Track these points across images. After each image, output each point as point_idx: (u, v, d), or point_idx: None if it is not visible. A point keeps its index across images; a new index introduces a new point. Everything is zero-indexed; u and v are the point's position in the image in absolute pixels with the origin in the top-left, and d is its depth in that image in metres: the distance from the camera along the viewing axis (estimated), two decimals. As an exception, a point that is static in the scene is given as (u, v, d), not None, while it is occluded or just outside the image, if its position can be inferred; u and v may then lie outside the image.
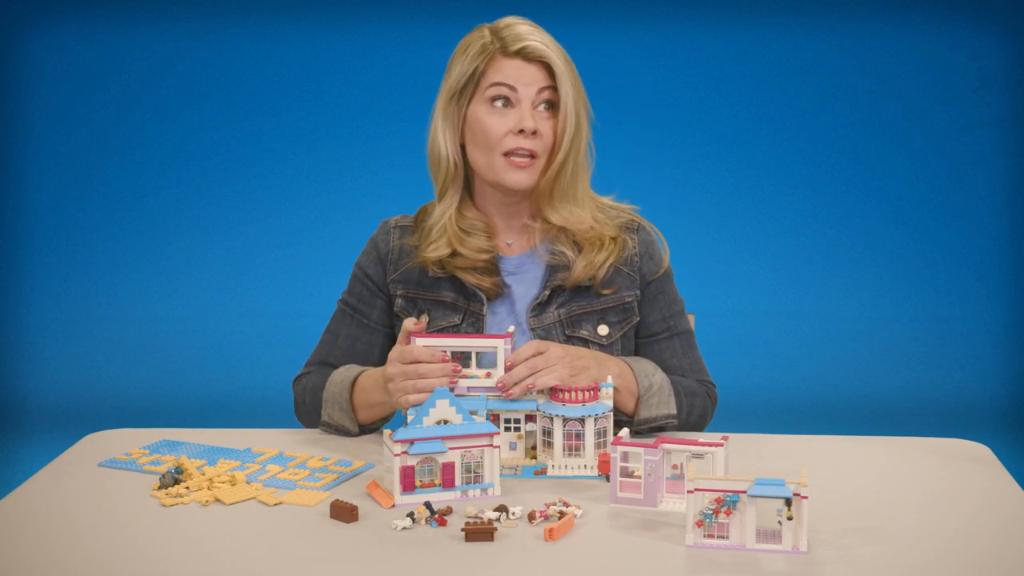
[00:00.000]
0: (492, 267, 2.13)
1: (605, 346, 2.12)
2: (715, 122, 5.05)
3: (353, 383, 2.06)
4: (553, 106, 2.07)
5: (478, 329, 2.11)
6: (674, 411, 2.05)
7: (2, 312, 5.08)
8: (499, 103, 2.05)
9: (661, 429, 2.07)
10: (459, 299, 2.13)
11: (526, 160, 2.05)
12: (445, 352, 1.89)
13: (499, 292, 2.12)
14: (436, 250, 2.11)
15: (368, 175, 5.09)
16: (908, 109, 5.03)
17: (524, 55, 2.04)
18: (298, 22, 5.05)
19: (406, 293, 2.16)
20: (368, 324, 2.19)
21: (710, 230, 4.91)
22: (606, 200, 2.19)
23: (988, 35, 4.96)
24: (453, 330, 2.12)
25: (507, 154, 2.05)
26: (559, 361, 1.91)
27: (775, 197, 5.07)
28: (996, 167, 5.02)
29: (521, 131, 2.04)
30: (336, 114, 5.09)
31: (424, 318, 2.04)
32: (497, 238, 2.16)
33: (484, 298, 2.11)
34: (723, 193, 5.04)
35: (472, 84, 2.07)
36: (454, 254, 2.12)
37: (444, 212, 2.12)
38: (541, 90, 2.05)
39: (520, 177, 2.06)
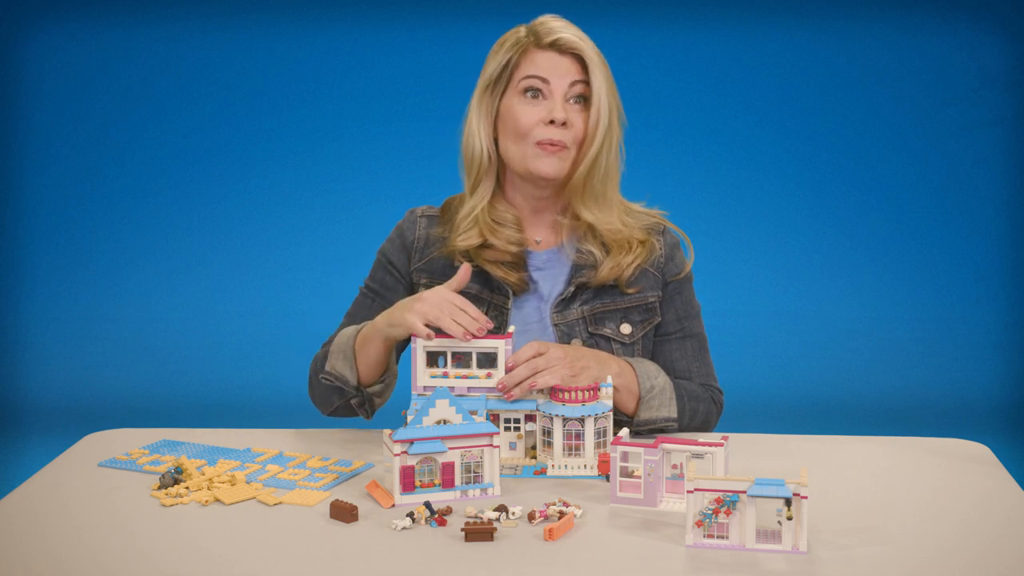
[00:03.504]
0: (520, 261, 2.14)
1: (627, 345, 2.12)
2: (715, 122, 5.05)
3: (360, 331, 2.06)
4: (585, 99, 2.06)
5: (501, 322, 2.11)
6: (675, 414, 2.05)
7: (2, 312, 5.08)
8: (531, 94, 2.06)
9: (661, 431, 2.07)
10: (484, 291, 2.13)
11: (558, 148, 2.05)
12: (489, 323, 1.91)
13: (525, 287, 2.13)
14: (466, 240, 2.11)
15: (368, 175, 5.09)
16: (908, 109, 5.03)
17: (557, 47, 2.04)
18: (298, 22, 5.05)
19: (431, 282, 2.15)
20: (387, 308, 2.18)
21: (710, 230, 4.91)
22: (635, 206, 2.19)
23: (988, 35, 4.96)
24: None
25: (538, 144, 2.05)
26: (559, 361, 1.91)
27: (775, 197, 5.07)
28: (996, 167, 5.03)
29: (551, 122, 2.04)
30: (336, 114, 5.09)
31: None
32: (526, 233, 2.16)
33: (510, 292, 2.12)
34: (723, 193, 5.05)
35: (505, 76, 2.08)
36: (483, 245, 2.12)
37: (476, 205, 2.12)
38: (574, 83, 2.05)
39: (550, 163, 2.06)
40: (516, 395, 1.89)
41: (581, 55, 2.04)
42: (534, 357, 1.91)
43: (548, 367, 1.90)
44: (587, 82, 2.05)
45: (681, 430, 2.09)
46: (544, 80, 2.05)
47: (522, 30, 2.09)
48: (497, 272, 2.11)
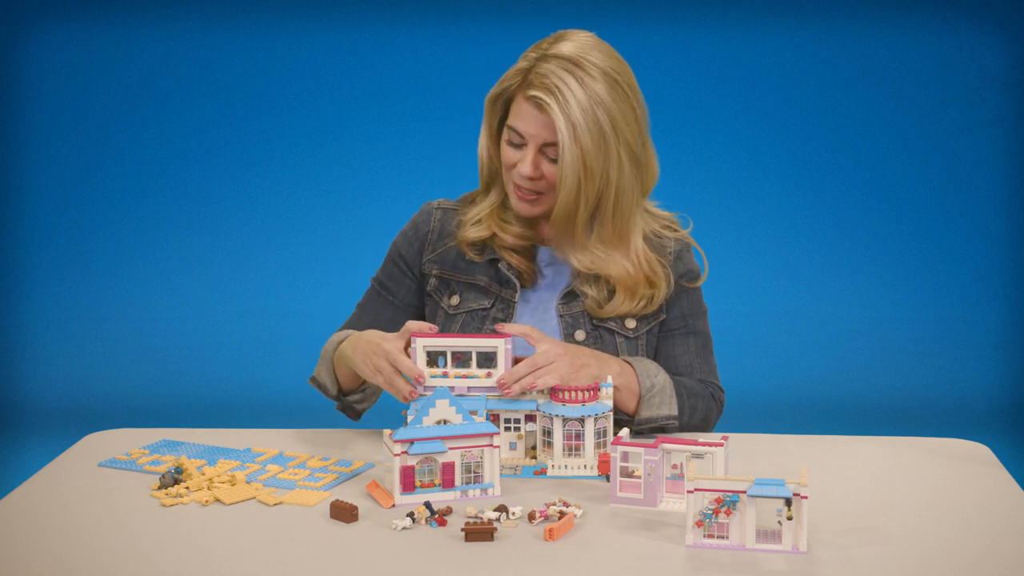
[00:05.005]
0: (530, 252, 2.16)
1: (631, 339, 2.13)
2: (715, 122, 5.05)
3: (341, 342, 2.08)
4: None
5: (507, 315, 2.12)
6: (675, 412, 2.05)
7: (2, 312, 5.07)
8: (513, 139, 2.06)
9: (662, 430, 2.07)
10: (492, 284, 2.15)
11: (530, 195, 2.07)
12: (423, 377, 1.90)
13: (534, 279, 2.15)
14: (476, 232, 2.14)
15: (368, 175, 5.09)
16: (908, 109, 5.03)
17: (535, 102, 2.01)
18: (298, 22, 5.05)
19: (441, 273, 2.18)
20: (393, 302, 2.21)
21: (710, 230, 4.89)
22: (661, 215, 2.19)
23: (988, 35, 4.96)
24: (482, 313, 2.14)
25: (515, 185, 2.08)
26: (559, 358, 1.91)
27: (775, 197, 5.07)
28: (996, 167, 5.02)
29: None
30: (336, 114, 5.09)
31: (434, 328, 2.01)
32: (536, 230, 2.17)
33: (517, 285, 2.13)
34: (723, 193, 5.04)
35: (502, 103, 2.08)
36: (494, 236, 2.15)
37: (488, 205, 2.16)
38: (546, 144, 2.03)
39: (523, 207, 2.09)
40: (515, 392, 1.89)
41: (551, 118, 1.99)
42: (529, 334, 1.93)
43: (547, 364, 1.90)
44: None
45: (681, 428, 2.09)
46: (520, 136, 2.04)
47: (534, 55, 2.04)
48: (511, 259, 2.13)
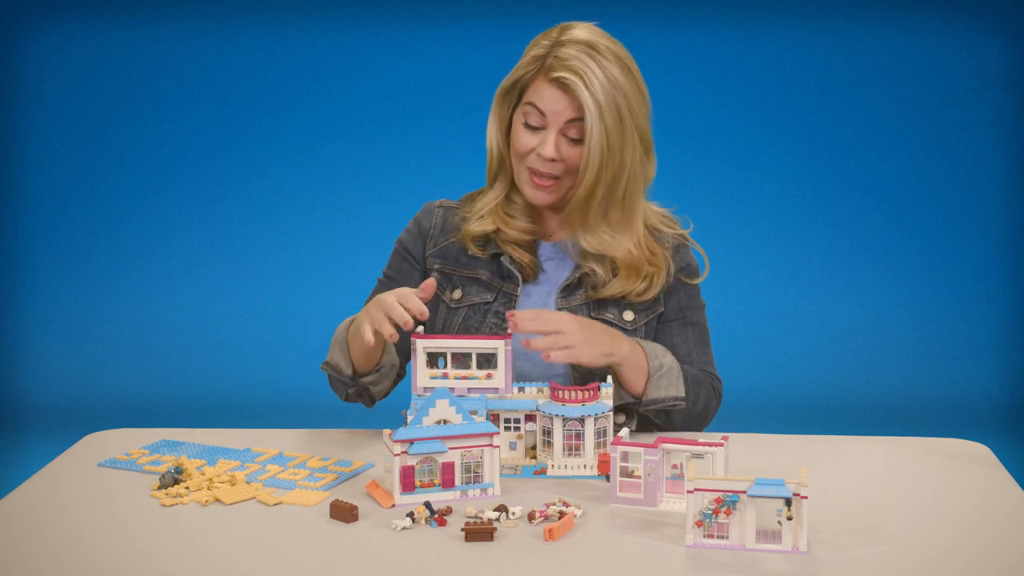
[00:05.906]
0: (533, 246, 2.17)
1: (629, 331, 2.14)
2: (715, 122, 5.05)
3: (353, 321, 2.09)
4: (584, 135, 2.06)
5: (509, 308, 2.13)
6: (683, 393, 2.06)
7: (2, 312, 5.07)
8: (531, 120, 2.06)
9: (667, 413, 2.07)
10: (494, 279, 2.16)
11: (547, 181, 2.08)
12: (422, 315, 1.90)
13: (536, 273, 2.16)
14: (481, 225, 2.16)
15: (368, 175, 5.09)
16: (908, 109, 5.03)
17: (560, 83, 2.02)
18: (298, 22, 5.05)
19: (443, 268, 2.19)
20: None
21: (710, 230, 4.89)
22: (658, 211, 2.20)
23: (988, 35, 4.96)
24: (485, 307, 2.14)
25: (530, 170, 2.08)
26: (568, 326, 1.93)
27: (775, 197, 5.07)
28: (996, 167, 5.02)
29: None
30: (336, 114, 5.09)
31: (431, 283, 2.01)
32: (539, 224, 2.19)
33: (520, 279, 2.14)
34: (723, 193, 5.05)
35: (516, 91, 2.09)
36: (498, 231, 2.16)
37: (493, 199, 2.17)
38: (570, 121, 2.04)
39: (539, 196, 2.10)
40: (522, 328, 1.90)
41: (579, 97, 2.02)
42: (537, 317, 1.94)
43: (553, 320, 1.92)
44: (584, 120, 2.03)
45: (685, 413, 2.09)
46: (542, 114, 2.05)
47: (546, 44, 2.06)
48: (513, 252, 2.15)
